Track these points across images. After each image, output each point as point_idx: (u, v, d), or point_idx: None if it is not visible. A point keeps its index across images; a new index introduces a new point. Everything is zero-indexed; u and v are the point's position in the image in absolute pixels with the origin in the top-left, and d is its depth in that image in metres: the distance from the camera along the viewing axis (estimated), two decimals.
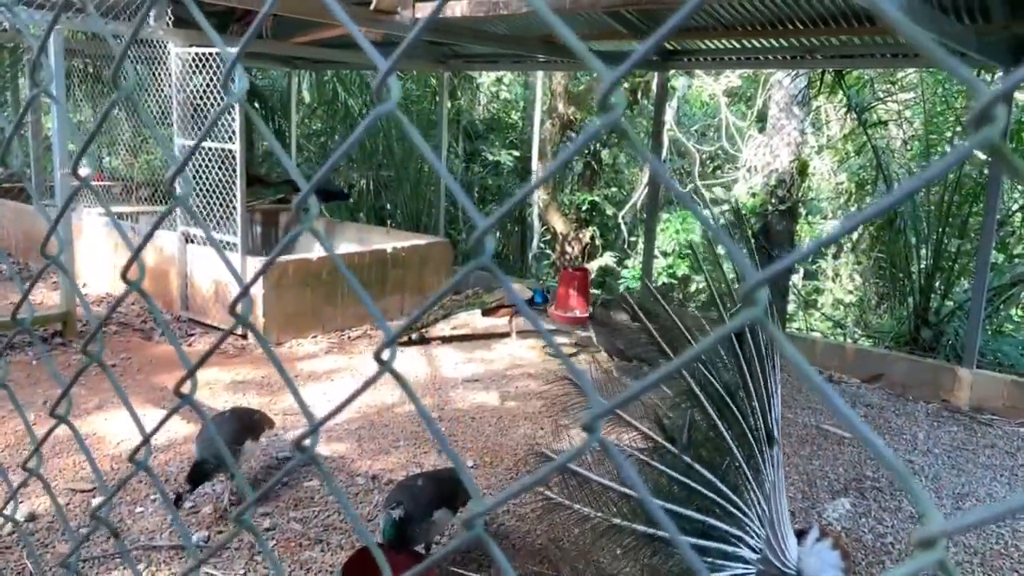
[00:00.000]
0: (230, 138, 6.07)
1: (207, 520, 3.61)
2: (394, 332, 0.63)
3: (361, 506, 3.84)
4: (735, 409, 2.32)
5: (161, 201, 7.26)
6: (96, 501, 3.72)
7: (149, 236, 0.95)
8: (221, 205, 6.29)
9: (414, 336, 6.70)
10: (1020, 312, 8.75)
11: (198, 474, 3.41)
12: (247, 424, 3.89)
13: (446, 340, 6.87)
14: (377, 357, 0.64)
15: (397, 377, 0.66)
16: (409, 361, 6.20)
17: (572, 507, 2.23)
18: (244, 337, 6.28)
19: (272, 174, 10.47)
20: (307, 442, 0.73)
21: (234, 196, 6.15)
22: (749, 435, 2.35)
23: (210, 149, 6.25)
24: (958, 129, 7.82)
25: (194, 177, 6.42)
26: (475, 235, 0.57)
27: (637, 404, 2.46)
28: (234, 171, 6.15)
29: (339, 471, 4.18)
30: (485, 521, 3.25)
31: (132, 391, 5.10)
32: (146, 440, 0.94)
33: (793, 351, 0.42)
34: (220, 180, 6.23)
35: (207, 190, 6.34)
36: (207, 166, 6.30)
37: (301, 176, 0.77)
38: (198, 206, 6.49)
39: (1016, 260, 8.01)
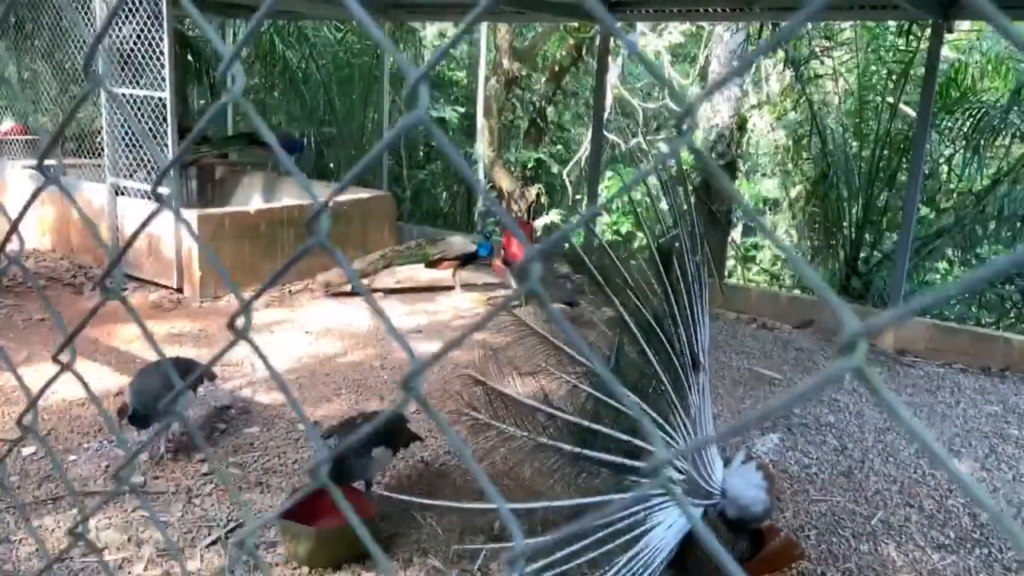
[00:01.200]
0: (159, 86, 5.85)
1: (143, 466, 3.57)
2: (248, 299, 0.66)
3: (302, 451, 3.84)
4: (662, 336, 2.39)
5: (88, 154, 6.99)
6: (26, 451, 3.64)
7: None
8: (152, 156, 6.08)
9: (355, 288, 6.66)
10: (946, 265, 9.13)
11: (132, 416, 3.36)
12: (182, 373, 3.83)
13: (390, 292, 6.84)
14: (230, 325, 0.66)
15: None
16: (352, 313, 6.16)
17: (498, 427, 2.28)
18: (179, 291, 6.15)
19: (209, 129, 10.14)
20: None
21: (165, 146, 5.96)
22: (676, 361, 2.42)
23: (139, 97, 6.02)
24: (890, 85, 8.02)
25: (122, 127, 6.20)
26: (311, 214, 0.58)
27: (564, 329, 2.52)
28: (165, 120, 5.95)
29: (279, 418, 4.16)
30: (426, 461, 3.27)
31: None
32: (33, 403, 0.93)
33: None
34: (150, 130, 6.02)
35: (137, 140, 6.12)
36: (136, 115, 6.08)
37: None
38: (128, 157, 6.28)
39: (942, 213, 8.34)
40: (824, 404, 4.75)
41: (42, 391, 1.12)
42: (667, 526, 2.41)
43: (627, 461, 2.25)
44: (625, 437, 2.29)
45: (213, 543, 3.02)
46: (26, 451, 3.62)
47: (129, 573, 2.85)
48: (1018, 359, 5.47)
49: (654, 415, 2.37)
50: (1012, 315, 8.02)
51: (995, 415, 4.74)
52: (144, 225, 1.02)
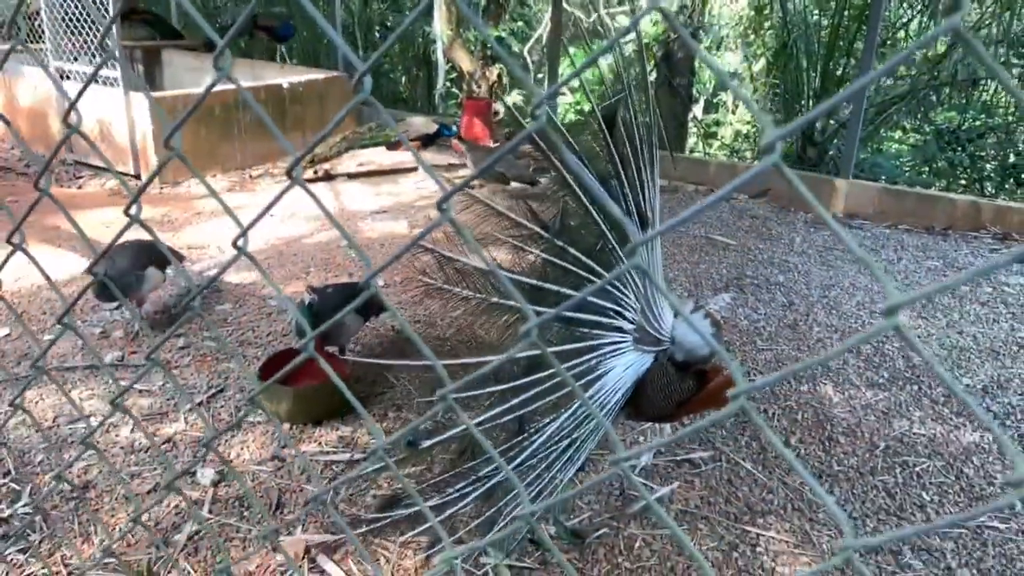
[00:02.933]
0: None
1: (119, 343, 3.68)
2: (300, 153, 0.76)
3: (275, 324, 3.98)
4: (607, 195, 2.49)
5: (29, 39, 6.68)
6: (1, 332, 3.72)
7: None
8: (95, 37, 5.85)
9: (320, 173, 6.63)
10: (900, 132, 9.28)
11: (100, 292, 3.44)
12: (150, 253, 3.88)
13: (352, 176, 6.82)
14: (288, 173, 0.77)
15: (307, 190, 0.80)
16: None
17: (451, 290, 2.41)
18: (137, 177, 6.08)
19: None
20: (240, 241, 0.88)
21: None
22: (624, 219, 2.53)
23: None
24: None
25: (62, 6, 5.92)
26: (356, 76, 0.72)
27: (507, 196, 2.62)
28: None
29: (250, 296, 4.26)
30: (397, 329, 3.42)
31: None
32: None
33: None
34: (91, 9, 5.76)
35: (78, 21, 5.87)
36: None
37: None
38: (71, 41, 6.03)
39: (898, 81, 8.40)
40: (775, 266, 4.98)
41: None
42: (623, 368, 2.60)
43: (579, 314, 2.41)
44: (576, 293, 2.44)
45: (199, 405, 3.18)
46: (1, 332, 3.70)
47: (116, 436, 3.01)
48: (960, 219, 5.72)
49: (601, 270, 2.50)
50: (963, 180, 8.27)
51: (935, 269, 5.01)
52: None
